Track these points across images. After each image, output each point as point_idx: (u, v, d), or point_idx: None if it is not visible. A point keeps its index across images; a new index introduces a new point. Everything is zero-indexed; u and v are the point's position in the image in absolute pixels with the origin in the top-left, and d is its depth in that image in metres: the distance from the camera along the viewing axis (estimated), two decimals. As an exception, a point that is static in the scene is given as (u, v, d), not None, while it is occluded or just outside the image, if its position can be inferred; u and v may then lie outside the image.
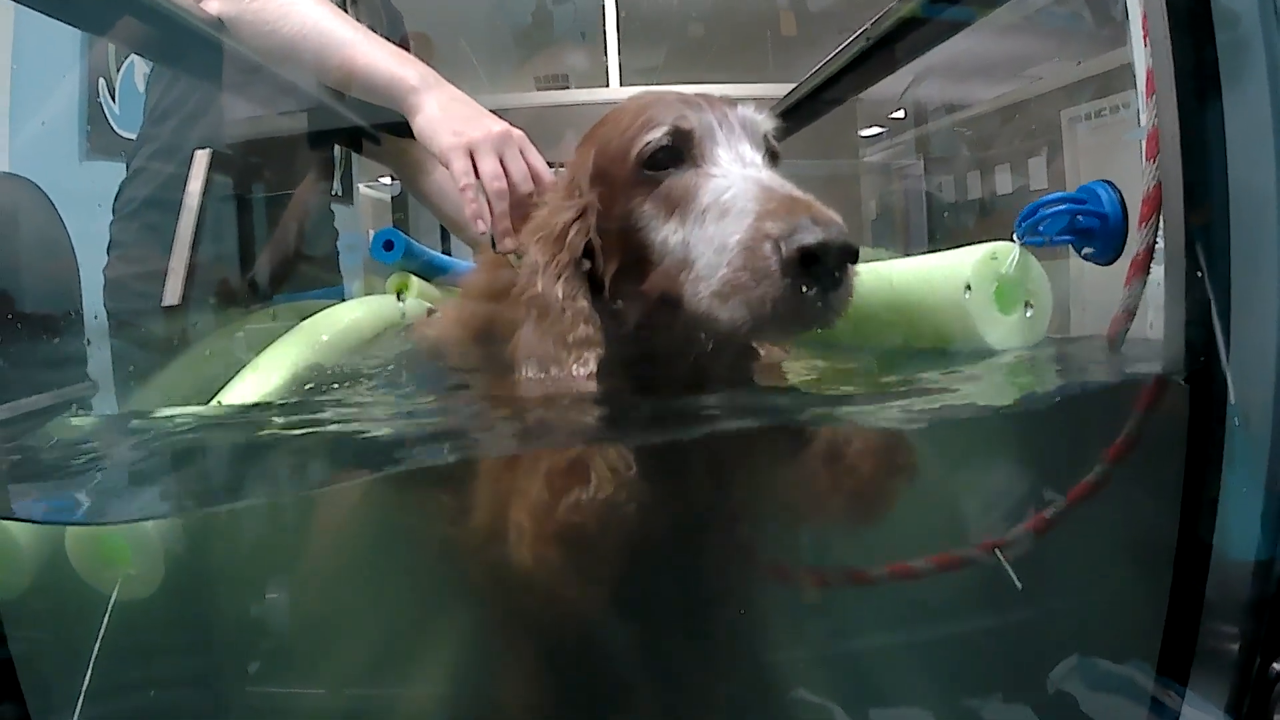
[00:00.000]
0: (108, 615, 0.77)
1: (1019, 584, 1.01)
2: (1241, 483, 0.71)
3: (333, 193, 1.61)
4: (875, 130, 2.31)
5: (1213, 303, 0.70)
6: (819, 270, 0.70)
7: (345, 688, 0.96)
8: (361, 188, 2.23)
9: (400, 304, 1.36)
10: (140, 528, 0.79)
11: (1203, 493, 0.72)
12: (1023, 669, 0.93)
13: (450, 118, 1.07)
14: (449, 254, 1.58)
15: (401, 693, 0.98)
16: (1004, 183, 2.00)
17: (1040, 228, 0.84)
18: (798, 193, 0.75)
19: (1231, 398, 0.70)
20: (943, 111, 2.06)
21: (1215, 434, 0.71)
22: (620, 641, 0.92)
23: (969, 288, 0.86)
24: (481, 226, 1.03)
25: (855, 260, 0.72)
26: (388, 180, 2.36)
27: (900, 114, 2.23)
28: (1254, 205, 0.69)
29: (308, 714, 0.97)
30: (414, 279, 1.40)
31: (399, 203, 2.17)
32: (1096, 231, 0.81)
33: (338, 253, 1.57)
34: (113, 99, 1.97)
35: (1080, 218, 0.82)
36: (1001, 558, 1.05)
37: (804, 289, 0.70)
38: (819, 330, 0.76)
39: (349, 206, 1.83)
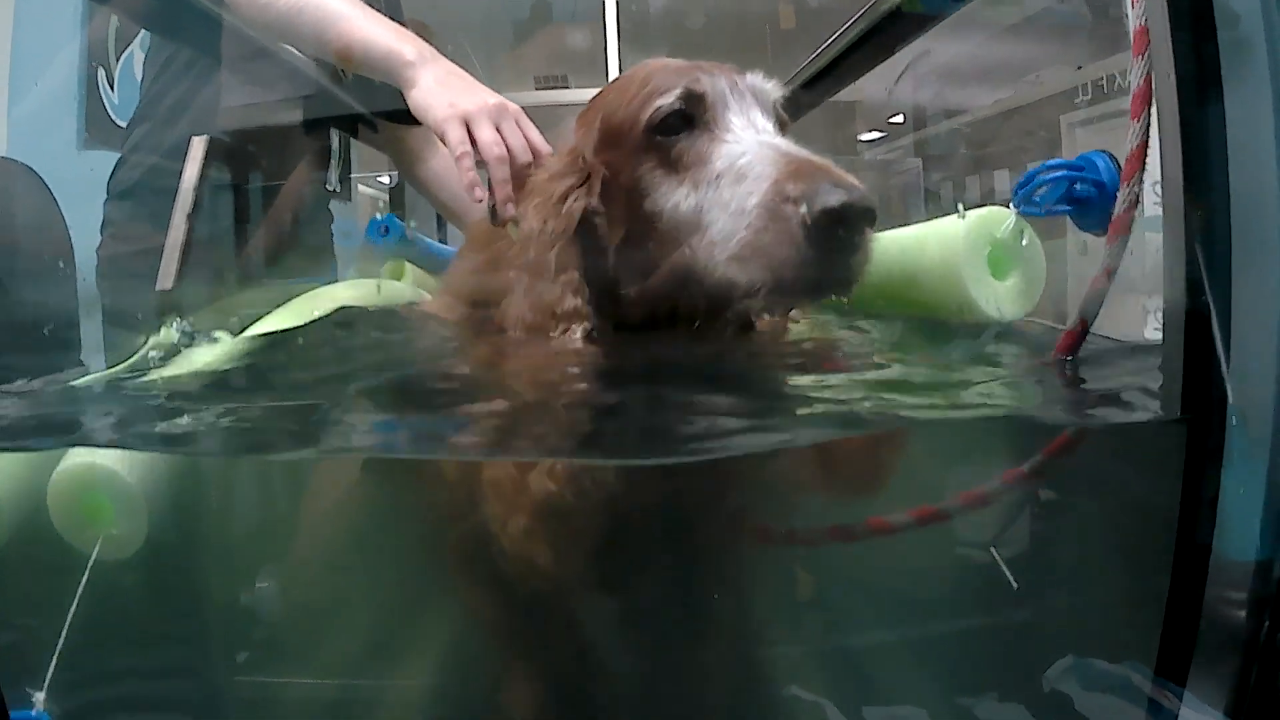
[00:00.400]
0: (86, 574, 0.76)
1: (1015, 583, 1.00)
2: (1239, 482, 0.70)
3: (330, 187, 1.61)
4: (874, 135, 2.32)
5: (1210, 300, 0.69)
6: (841, 233, 0.69)
7: (320, 652, 0.95)
8: (361, 188, 2.22)
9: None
10: (124, 485, 0.78)
11: (1202, 491, 0.71)
12: (1019, 668, 0.93)
13: (446, 90, 1.06)
14: (445, 244, 1.57)
15: (383, 668, 0.97)
16: (1003, 185, 2.00)
17: (1036, 197, 0.84)
18: (815, 157, 0.74)
19: (1230, 397, 0.69)
20: (942, 116, 2.06)
21: (1214, 433, 0.70)
22: (605, 618, 0.91)
23: (961, 213, 0.85)
24: (479, 195, 1.02)
25: (874, 223, 0.71)
26: (385, 179, 2.37)
27: (899, 118, 2.23)
28: (1255, 194, 0.68)
29: (284, 680, 0.96)
30: (409, 266, 1.40)
31: (396, 199, 2.17)
32: (1094, 200, 0.80)
33: (332, 236, 1.57)
34: (111, 89, 1.97)
35: (1078, 186, 0.81)
36: (997, 556, 1.04)
37: (825, 252, 0.69)
38: (834, 298, 0.75)
39: (347, 203, 1.83)
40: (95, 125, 1.93)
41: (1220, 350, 0.68)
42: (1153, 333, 0.80)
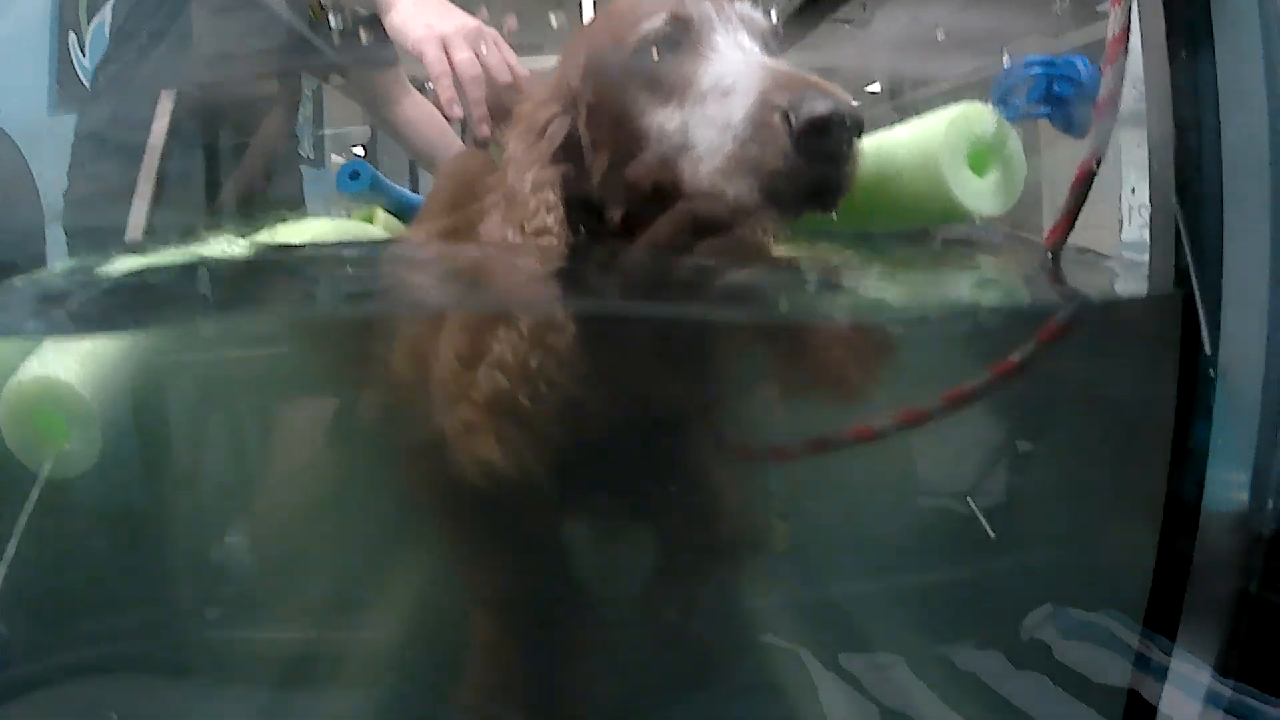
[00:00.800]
0: (37, 489, 0.74)
1: (991, 533, 1.00)
2: (1220, 433, 0.69)
3: (303, 153, 1.60)
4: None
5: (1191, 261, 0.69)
6: (829, 143, 0.68)
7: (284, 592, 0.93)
8: (334, 157, 2.22)
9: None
10: (78, 399, 0.76)
11: (1189, 441, 0.71)
12: (998, 616, 0.92)
13: (423, 12, 1.07)
14: (416, 192, 1.56)
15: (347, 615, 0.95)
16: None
17: (1014, 99, 0.83)
18: (801, 72, 0.73)
19: (1206, 348, 0.69)
20: (920, 84, 2.07)
21: (1201, 382, 0.70)
22: (569, 542, 0.89)
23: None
24: (457, 111, 1.03)
25: (861, 133, 0.70)
26: (359, 150, 2.36)
27: (875, 87, 2.24)
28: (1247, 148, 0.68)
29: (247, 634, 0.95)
30: (380, 212, 1.39)
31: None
32: (1072, 101, 0.80)
33: (302, 181, 1.56)
34: (83, 53, 1.95)
35: (1056, 85, 0.80)
36: (974, 506, 1.04)
37: (813, 162, 0.68)
38: (821, 212, 0.74)
39: (320, 170, 1.82)
40: (67, 89, 1.91)
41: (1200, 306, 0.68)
42: (1135, 233, 0.80)
